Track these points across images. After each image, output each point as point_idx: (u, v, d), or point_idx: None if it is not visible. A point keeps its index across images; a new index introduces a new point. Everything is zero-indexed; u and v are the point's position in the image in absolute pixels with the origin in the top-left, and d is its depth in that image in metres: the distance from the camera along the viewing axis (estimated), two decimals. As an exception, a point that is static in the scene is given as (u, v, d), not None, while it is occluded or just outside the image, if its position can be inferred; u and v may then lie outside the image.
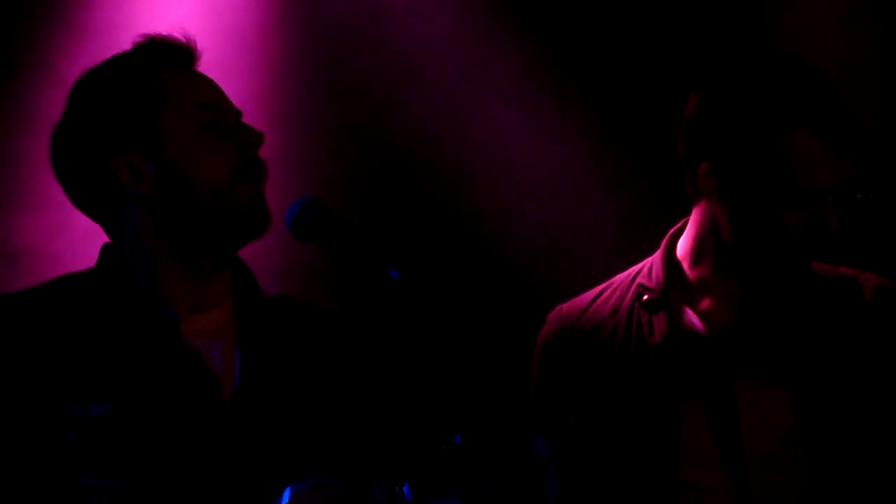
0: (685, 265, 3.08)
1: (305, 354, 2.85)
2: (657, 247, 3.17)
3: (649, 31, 4.81)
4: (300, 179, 4.48)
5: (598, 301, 3.12)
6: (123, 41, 2.86)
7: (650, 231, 4.68)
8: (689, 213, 3.12)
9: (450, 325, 2.81)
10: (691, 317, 3.05)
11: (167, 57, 2.80)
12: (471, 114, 4.77)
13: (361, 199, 4.59)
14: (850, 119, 2.93)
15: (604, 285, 3.16)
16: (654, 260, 3.12)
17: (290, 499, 2.52)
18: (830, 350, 3.00)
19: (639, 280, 3.11)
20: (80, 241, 4.15)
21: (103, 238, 2.87)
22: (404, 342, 2.79)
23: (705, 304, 3.05)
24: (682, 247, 3.09)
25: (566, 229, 4.79)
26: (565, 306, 3.15)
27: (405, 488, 2.59)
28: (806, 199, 2.90)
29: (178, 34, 2.84)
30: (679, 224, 3.15)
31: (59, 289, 2.77)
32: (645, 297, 3.07)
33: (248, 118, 2.86)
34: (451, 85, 4.75)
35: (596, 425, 3.04)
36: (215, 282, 2.80)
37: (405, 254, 2.70)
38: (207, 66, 2.88)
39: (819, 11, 4.70)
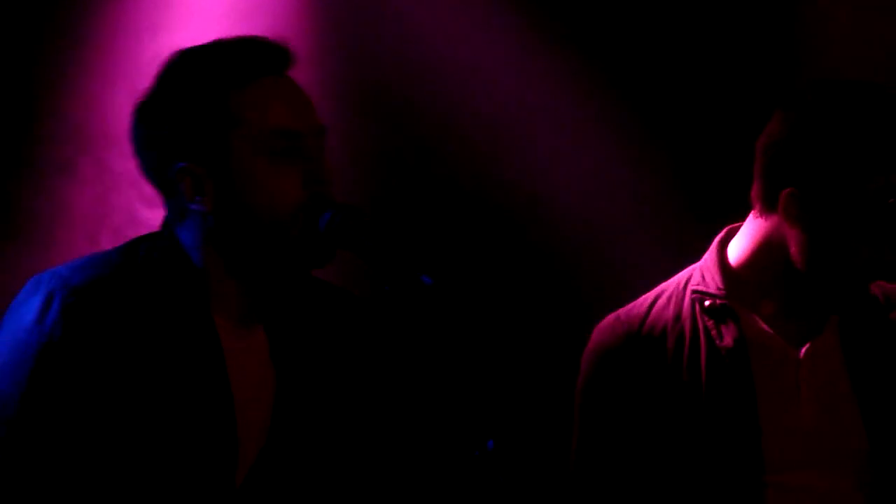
0: (742, 272, 3.10)
1: (337, 368, 2.85)
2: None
3: (688, 36, 4.81)
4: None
5: (657, 307, 3.13)
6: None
7: (686, 236, 4.70)
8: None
9: (479, 332, 2.82)
10: (758, 321, 3.07)
11: (255, 64, 2.72)
12: (504, 115, 4.76)
13: (389, 202, 4.58)
14: None
15: (654, 292, 3.17)
16: (707, 266, 3.13)
17: None
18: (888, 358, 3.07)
19: (693, 286, 3.12)
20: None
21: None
22: (436, 347, 2.80)
23: (768, 309, 3.08)
24: (739, 254, 3.11)
25: (599, 232, 4.78)
26: (622, 313, 3.14)
27: (489, 443, 2.58)
28: (889, 215, 2.95)
29: (272, 40, 2.76)
30: (724, 232, 3.17)
31: (130, 269, 2.72)
32: (707, 302, 3.08)
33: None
34: (484, 86, 4.75)
35: (669, 435, 3.04)
36: (265, 299, 2.79)
37: (436, 258, 2.71)
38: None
39: (858, 30, 4.69)
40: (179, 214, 2.75)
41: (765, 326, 3.07)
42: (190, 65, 2.73)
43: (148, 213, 3.91)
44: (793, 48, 4.79)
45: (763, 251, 3.07)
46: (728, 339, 3.05)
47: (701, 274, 3.13)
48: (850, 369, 3.06)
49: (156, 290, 2.71)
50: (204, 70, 2.71)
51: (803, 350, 3.05)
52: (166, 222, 2.79)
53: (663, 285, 3.17)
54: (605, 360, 3.11)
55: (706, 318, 3.07)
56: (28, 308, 2.65)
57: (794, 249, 3.02)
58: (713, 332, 3.06)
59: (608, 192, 4.79)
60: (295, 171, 2.68)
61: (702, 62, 4.76)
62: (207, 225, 2.72)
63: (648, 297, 3.16)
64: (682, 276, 3.17)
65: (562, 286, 4.73)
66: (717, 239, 3.16)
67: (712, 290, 3.09)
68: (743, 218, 3.15)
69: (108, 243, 3.60)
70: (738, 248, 3.12)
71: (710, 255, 3.14)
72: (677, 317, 3.10)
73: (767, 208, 3.05)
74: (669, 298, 3.13)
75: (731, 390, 3.02)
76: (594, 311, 4.56)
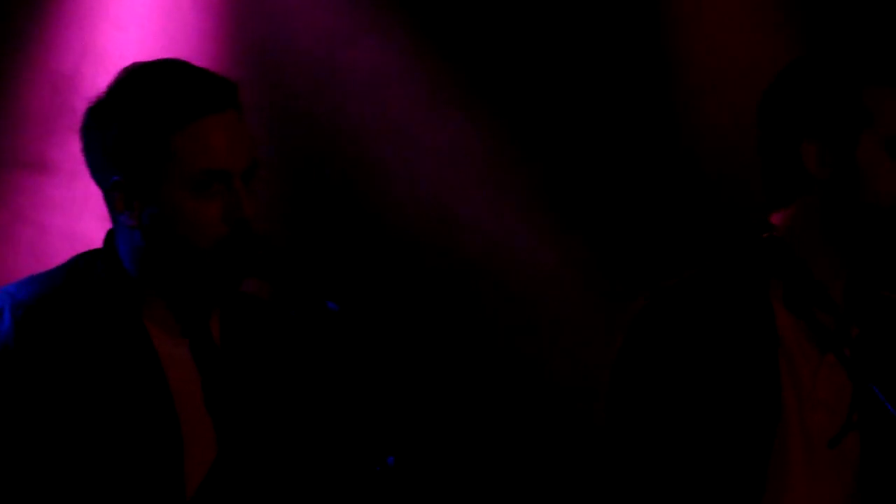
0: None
1: (264, 377, 2.93)
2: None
3: (559, 41, 4.88)
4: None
5: (694, 286, 3.13)
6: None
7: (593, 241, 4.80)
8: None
9: (384, 356, 2.94)
10: (790, 318, 3.11)
11: (199, 105, 2.80)
12: (408, 126, 4.85)
13: (296, 225, 4.62)
14: None
15: (693, 271, 3.17)
16: (746, 256, 3.15)
17: None
18: None
19: (732, 270, 3.14)
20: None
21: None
22: (341, 371, 2.93)
23: (799, 309, 3.11)
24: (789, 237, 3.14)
25: (500, 245, 4.86)
26: (658, 290, 3.13)
27: (390, 460, 2.70)
28: None
29: (217, 75, 2.86)
30: (763, 224, 3.19)
31: (69, 283, 2.85)
32: (750, 289, 3.11)
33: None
34: (381, 105, 4.81)
35: (693, 417, 3.06)
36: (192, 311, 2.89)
37: (342, 281, 2.83)
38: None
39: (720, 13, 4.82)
40: (115, 223, 2.88)
41: (794, 323, 3.10)
42: (138, 91, 2.84)
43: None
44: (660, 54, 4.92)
45: (792, 232, 3.12)
46: (759, 330, 3.07)
47: (740, 262, 3.15)
48: (854, 384, 3.08)
49: (94, 303, 2.83)
50: (150, 103, 2.81)
51: (826, 356, 3.09)
52: (109, 232, 2.91)
53: (703, 266, 3.19)
54: (638, 335, 3.11)
55: (739, 304, 3.09)
56: None
57: (834, 208, 3.09)
58: (745, 321, 3.08)
59: (510, 206, 4.88)
60: (218, 206, 2.79)
61: (574, 68, 4.86)
62: (135, 239, 2.84)
63: (686, 275, 3.17)
64: (720, 258, 3.19)
65: (460, 305, 4.80)
66: (763, 235, 3.18)
67: (751, 280, 3.11)
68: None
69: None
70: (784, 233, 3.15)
71: (747, 246, 3.16)
72: (712, 299, 3.11)
73: (797, 181, 3.12)
74: (707, 279, 3.14)
75: (757, 389, 3.05)
76: (493, 329, 4.68)
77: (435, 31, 4.85)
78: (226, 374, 2.88)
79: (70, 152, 3.68)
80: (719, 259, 3.19)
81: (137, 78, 2.85)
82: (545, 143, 4.89)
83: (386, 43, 4.79)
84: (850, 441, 3.10)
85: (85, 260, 2.90)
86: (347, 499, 2.95)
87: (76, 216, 4.40)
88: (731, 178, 4.76)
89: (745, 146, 3.27)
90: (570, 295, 4.75)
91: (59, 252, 3.88)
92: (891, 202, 3.07)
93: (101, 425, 2.76)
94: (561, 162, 4.89)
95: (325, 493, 2.95)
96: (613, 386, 3.12)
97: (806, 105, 3.12)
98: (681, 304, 3.11)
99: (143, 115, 2.80)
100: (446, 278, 4.82)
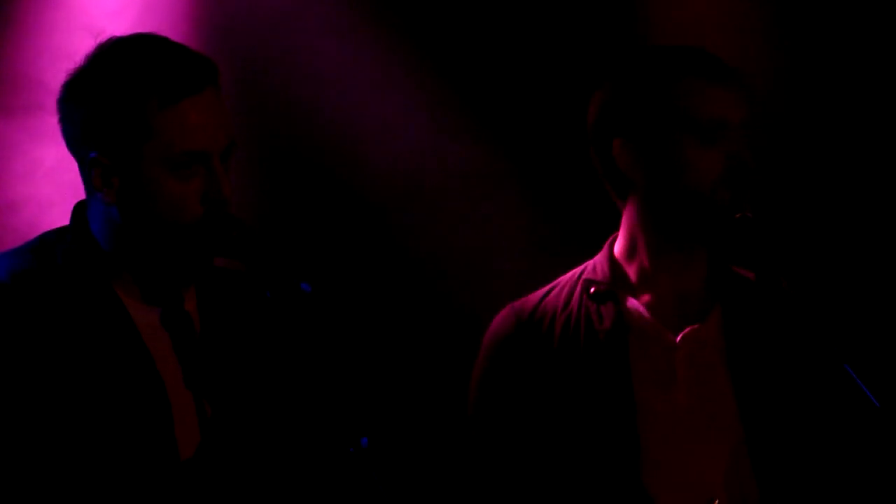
0: (623, 263, 3.25)
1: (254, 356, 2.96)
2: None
3: (525, 30, 4.90)
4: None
5: (549, 297, 3.27)
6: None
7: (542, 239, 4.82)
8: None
9: (357, 337, 2.95)
10: (636, 305, 3.22)
11: (179, 85, 2.80)
12: (387, 122, 4.84)
13: (269, 206, 4.62)
14: (725, 65, 3.21)
15: (551, 285, 3.31)
16: (598, 259, 3.29)
17: None
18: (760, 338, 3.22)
19: (585, 276, 3.27)
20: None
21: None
22: (314, 351, 2.94)
23: (646, 297, 3.23)
24: (619, 247, 3.27)
25: (468, 230, 4.88)
26: (517, 304, 3.28)
27: (363, 441, 2.71)
28: (708, 132, 3.13)
29: (196, 53, 2.85)
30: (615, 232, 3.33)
31: (35, 259, 2.85)
32: (592, 289, 3.23)
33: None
34: (356, 89, 4.80)
35: (553, 416, 3.17)
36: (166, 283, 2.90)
37: (318, 264, 2.84)
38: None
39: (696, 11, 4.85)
40: (90, 197, 2.87)
41: (645, 313, 3.21)
42: (117, 69, 2.82)
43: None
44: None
45: (632, 237, 3.24)
46: (607, 323, 3.19)
47: (593, 265, 3.28)
48: (730, 356, 3.19)
49: (65, 275, 2.83)
50: (129, 82, 2.81)
51: (680, 335, 3.19)
52: (77, 207, 2.91)
53: (562, 277, 3.33)
54: (498, 348, 3.25)
55: (590, 303, 3.22)
56: None
57: (647, 205, 3.20)
58: (594, 317, 3.20)
59: (481, 194, 4.89)
60: (197, 186, 2.80)
61: (552, 71, 4.88)
62: (111, 215, 2.84)
63: (545, 288, 3.31)
64: (577, 269, 3.32)
65: (434, 286, 4.81)
66: (611, 236, 3.32)
67: (599, 277, 3.24)
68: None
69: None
70: (618, 241, 3.28)
71: (603, 249, 3.30)
72: (566, 304, 3.24)
73: (620, 189, 3.24)
74: (562, 289, 3.28)
75: (608, 372, 3.16)
76: (467, 310, 4.68)
77: (415, 25, 4.87)
78: (200, 343, 2.89)
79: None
80: (573, 271, 3.33)
81: (116, 54, 2.84)
82: (524, 141, 4.92)
83: (361, 32, 4.80)
84: (728, 413, 3.16)
85: (55, 234, 2.90)
86: (322, 479, 2.96)
87: (35, 216, 4.40)
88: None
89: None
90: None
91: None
92: (706, 187, 3.12)
93: (85, 395, 2.77)
94: (532, 153, 4.92)
95: (300, 473, 2.97)
96: (480, 394, 3.25)
97: (616, 107, 3.22)
98: (533, 311, 3.24)
99: (122, 95, 2.79)
100: (420, 260, 4.83)
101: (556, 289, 3.29)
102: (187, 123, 2.80)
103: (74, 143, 2.86)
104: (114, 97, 2.80)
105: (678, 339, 3.20)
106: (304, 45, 4.75)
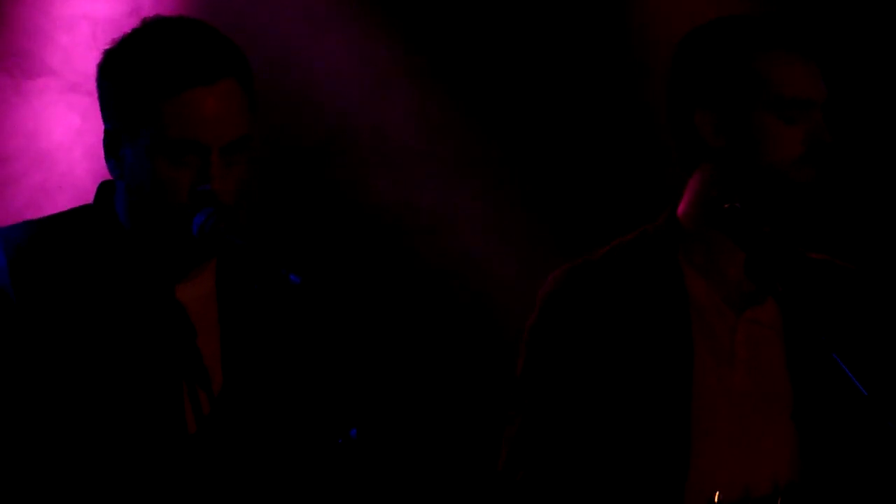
0: (689, 231, 3.21)
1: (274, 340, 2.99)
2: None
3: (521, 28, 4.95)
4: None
5: (609, 261, 3.22)
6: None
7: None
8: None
9: (347, 328, 2.96)
10: (699, 279, 3.19)
11: (187, 76, 2.84)
12: (369, 115, 4.88)
13: (259, 198, 4.68)
14: (812, 39, 3.20)
15: (609, 247, 3.27)
16: (662, 225, 3.24)
17: None
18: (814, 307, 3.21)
19: (647, 243, 3.23)
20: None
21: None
22: (303, 343, 2.96)
23: (708, 272, 3.19)
24: (685, 213, 3.23)
25: (461, 231, 4.92)
26: (575, 263, 3.24)
27: (352, 432, 2.73)
28: (793, 110, 3.12)
29: (221, 42, 2.89)
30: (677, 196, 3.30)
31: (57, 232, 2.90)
32: (655, 257, 3.20)
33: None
34: (346, 83, 4.85)
35: (604, 381, 3.13)
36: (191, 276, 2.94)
37: (306, 256, 2.86)
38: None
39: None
40: (111, 169, 2.94)
41: (708, 288, 3.18)
42: (138, 51, 2.88)
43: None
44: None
45: (699, 200, 3.20)
46: (670, 294, 3.16)
47: (655, 231, 3.24)
48: (787, 339, 3.17)
49: (86, 249, 2.88)
50: (144, 66, 2.86)
51: (742, 316, 3.17)
52: (101, 185, 2.97)
53: (618, 241, 3.28)
54: (557, 305, 3.19)
55: (652, 272, 3.18)
56: None
57: (727, 172, 3.16)
58: (656, 286, 3.17)
59: (472, 193, 4.93)
60: (188, 175, 2.84)
61: (547, 68, 4.92)
62: (123, 191, 2.91)
63: (603, 250, 3.26)
64: (637, 232, 3.28)
65: (423, 278, 4.86)
66: (670, 205, 3.28)
67: (663, 245, 3.21)
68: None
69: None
70: (684, 206, 3.24)
71: (665, 215, 3.26)
72: (627, 270, 3.20)
73: (693, 158, 3.21)
74: (623, 249, 3.24)
75: (668, 344, 3.13)
76: (456, 301, 4.70)
77: (410, 24, 4.90)
78: (192, 330, 2.92)
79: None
80: (633, 233, 3.28)
81: (144, 36, 2.90)
82: (516, 138, 4.94)
83: (349, 25, 4.84)
84: (781, 398, 3.17)
85: (82, 209, 2.96)
86: (311, 469, 2.98)
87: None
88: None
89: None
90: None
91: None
92: (786, 165, 3.12)
93: (99, 363, 2.81)
94: (526, 151, 4.93)
95: (290, 463, 2.99)
96: (530, 352, 3.21)
97: (698, 75, 3.19)
98: (591, 272, 3.20)
99: (136, 78, 2.85)
100: (410, 252, 4.88)
101: (618, 249, 3.25)
102: (189, 114, 2.83)
103: (103, 111, 2.93)
104: (128, 80, 2.86)
105: (739, 318, 3.18)
106: (296, 38, 4.78)
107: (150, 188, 2.84)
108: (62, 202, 4.40)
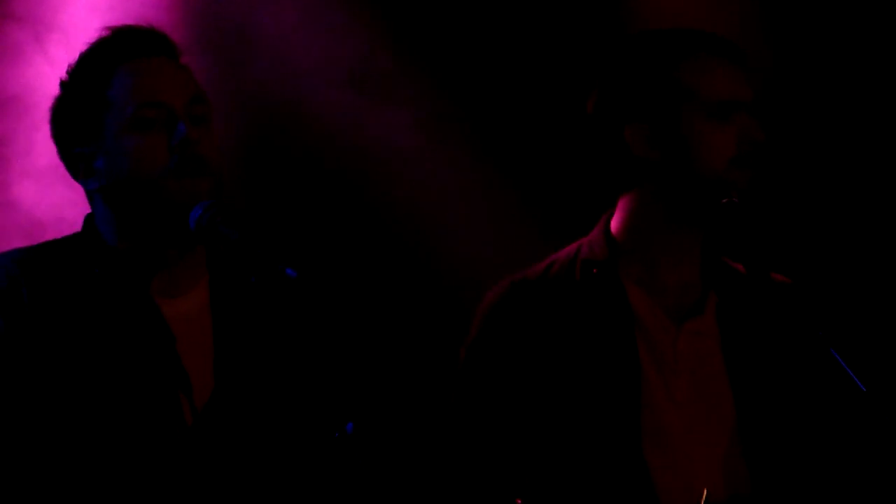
0: (623, 247, 3.22)
1: (271, 340, 3.00)
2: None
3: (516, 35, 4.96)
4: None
5: (549, 274, 3.23)
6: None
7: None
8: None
9: (343, 322, 2.96)
10: (638, 292, 3.20)
11: (124, 50, 2.91)
12: (365, 115, 4.88)
13: (256, 192, 4.68)
14: (732, 43, 3.21)
15: (547, 261, 3.27)
16: (595, 240, 3.25)
17: None
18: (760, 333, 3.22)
19: (582, 256, 3.23)
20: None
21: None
22: (299, 336, 2.96)
23: (647, 284, 3.21)
24: (618, 230, 3.24)
25: (453, 228, 4.92)
26: (516, 277, 3.24)
27: (349, 426, 2.73)
28: (721, 111, 3.13)
29: (142, 22, 2.96)
30: (609, 211, 3.30)
31: (49, 258, 2.93)
32: (594, 270, 3.20)
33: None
34: (344, 86, 4.86)
35: (548, 395, 3.13)
36: (182, 268, 2.95)
37: (302, 251, 2.86)
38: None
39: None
40: (87, 196, 2.97)
41: (648, 300, 3.19)
42: (77, 61, 2.96)
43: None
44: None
45: (634, 218, 3.21)
46: (612, 307, 3.17)
47: (589, 245, 3.25)
48: (725, 347, 3.19)
49: (76, 265, 2.91)
50: (84, 63, 2.94)
51: (682, 326, 3.18)
52: (87, 218, 3.00)
53: (555, 255, 3.29)
54: (495, 320, 3.20)
55: (591, 285, 3.19)
56: None
57: (662, 188, 3.17)
58: (597, 299, 3.18)
59: (460, 190, 4.94)
60: (161, 137, 2.87)
61: (539, 68, 4.93)
62: (103, 204, 2.93)
63: (542, 264, 3.27)
64: (572, 247, 3.29)
65: (419, 272, 4.87)
66: (604, 215, 3.29)
67: (599, 258, 3.21)
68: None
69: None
70: (617, 223, 3.25)
71: (597, 229, 3.27)
72: (566, 283, 3.20)
73: (628, 178, 3.21)
74: (562, 265, 3.24)
75: (613, 357, 3.14)
76: (452, 295, 4.70)
77: (405, 22, 4.91)
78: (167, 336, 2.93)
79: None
80: (567, 248, 3.29)
81: (93, 45, 2.96)
82: (508, 138, 4.95)
83: (350, 25, 4.85)
84: (724, 403, 3.17)
85: (72, 236, 2.99)
86: (307, 464, 2.98)
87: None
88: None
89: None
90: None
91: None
92: (722, 168, 3.12)
93: (89, 368, 2.83)
94: (525, 151, 4.95)
95: (287, 458, 2.99)
96: (466, 372, 3.21)
97: (625, 90, 3.19)
98: (532, 288, 3.21)
99: (81, 73, 2.92)
100: (406, 246, 4.89)
101: (556, 265, 3.25)
102: (138, 80, 2.89)
103: (62, 153, 2.96)
104: (75, 85, 2.93)
105: (680, 330, 3.19)
106: (296, 38, 4.79)
107: (130, 164, 2.86)
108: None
